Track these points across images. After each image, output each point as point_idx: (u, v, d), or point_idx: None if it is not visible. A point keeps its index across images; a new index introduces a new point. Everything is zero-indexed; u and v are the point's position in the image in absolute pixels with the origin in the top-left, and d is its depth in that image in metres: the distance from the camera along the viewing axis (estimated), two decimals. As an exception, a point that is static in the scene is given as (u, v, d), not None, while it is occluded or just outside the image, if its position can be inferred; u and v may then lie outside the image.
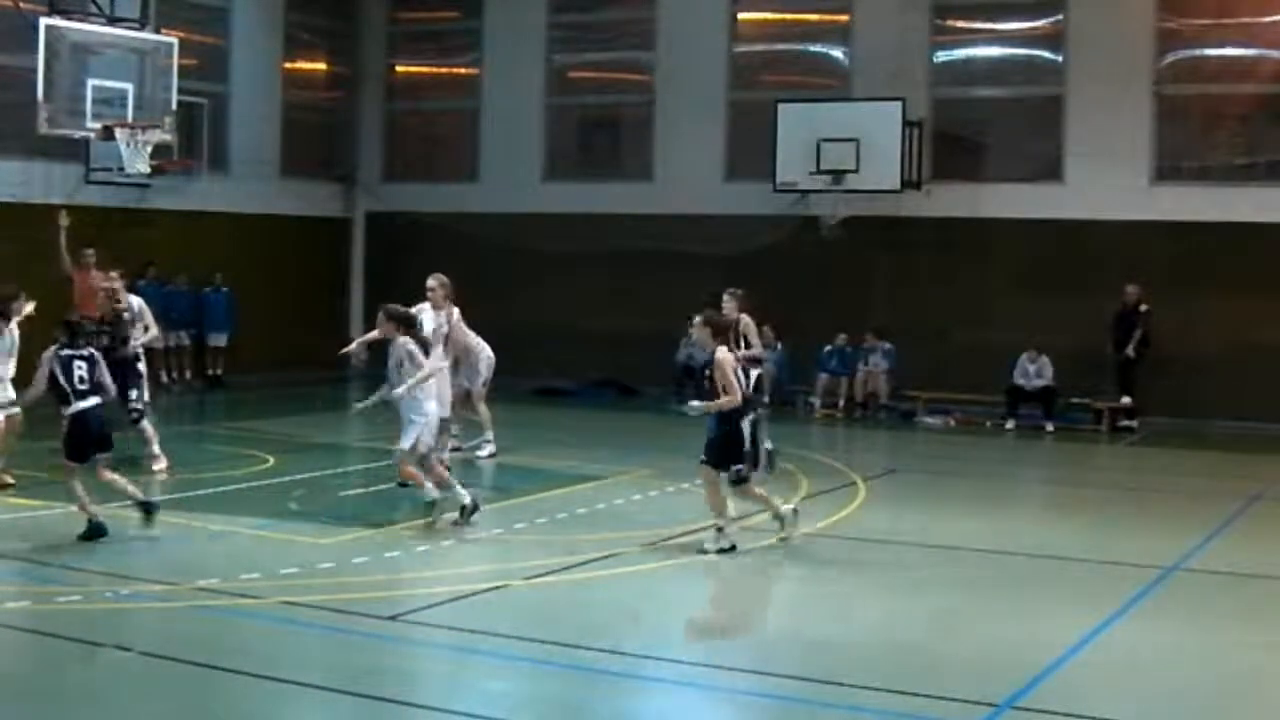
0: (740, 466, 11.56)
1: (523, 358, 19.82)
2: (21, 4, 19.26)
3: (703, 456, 11.59)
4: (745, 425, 11.63)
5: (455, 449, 16.48)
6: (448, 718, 7.73)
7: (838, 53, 24.20)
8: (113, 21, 19.80)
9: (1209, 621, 10.12)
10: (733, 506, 11.73)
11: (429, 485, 12.27)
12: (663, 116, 25.03)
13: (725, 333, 11.72)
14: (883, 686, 8.10)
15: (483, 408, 16.45)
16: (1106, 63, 22.15)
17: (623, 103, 26.04)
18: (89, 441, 11.35)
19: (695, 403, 11.51)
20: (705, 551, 11.47)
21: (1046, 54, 23.03)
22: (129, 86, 18.71)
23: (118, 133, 18.49)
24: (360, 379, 21.63)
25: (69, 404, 11.28)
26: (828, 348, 22.76)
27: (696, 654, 9.05)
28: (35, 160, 21.12)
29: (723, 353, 11.42)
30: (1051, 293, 22.11)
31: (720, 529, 11.57)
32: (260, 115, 25.51)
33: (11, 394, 13.13)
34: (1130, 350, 21.17)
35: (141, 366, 15.03)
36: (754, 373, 15.77)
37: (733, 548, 11.51)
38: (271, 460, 15.70)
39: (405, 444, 12.33)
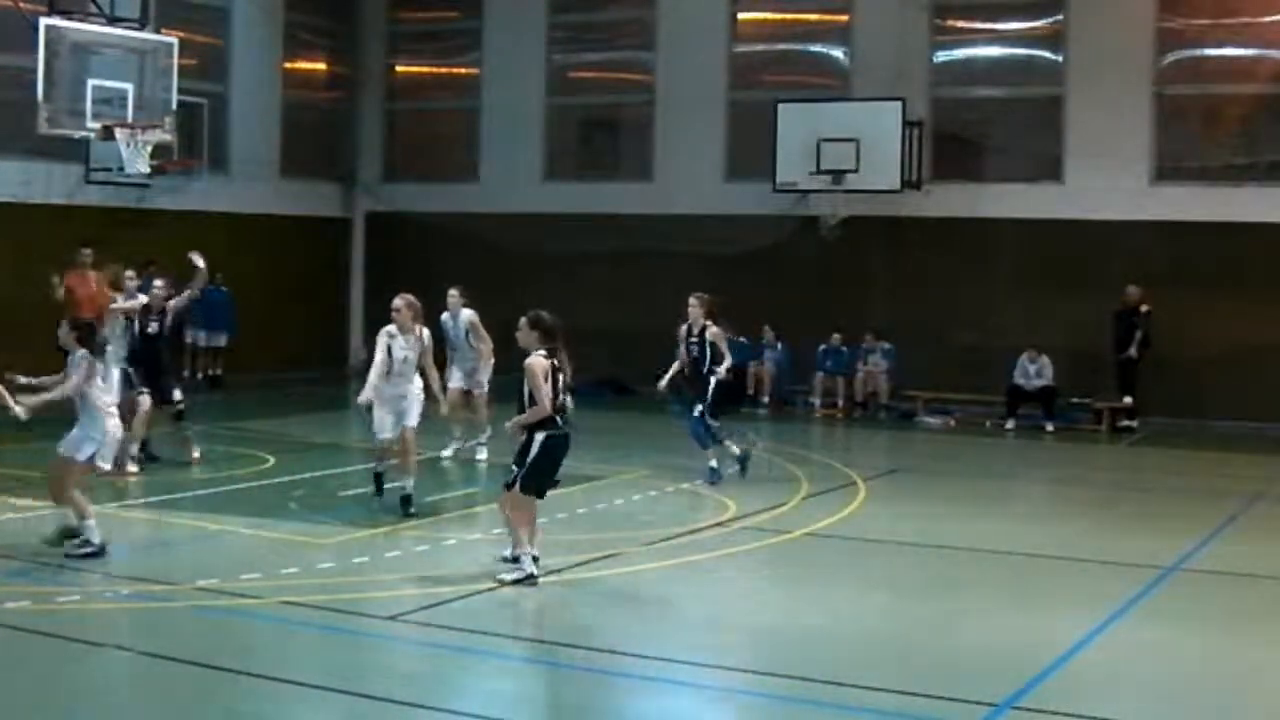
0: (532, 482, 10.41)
1: (522, 358, 19.77)
2: (21, 4, 19.23)
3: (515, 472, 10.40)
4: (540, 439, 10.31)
5: (455, 450, 16.50)
6: (448, 718, 7.73)
7: (838, 53, 24.19)
8: (113, 21, 19.77)
9: (1209, 621, 10.12)
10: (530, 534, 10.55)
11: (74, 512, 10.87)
12: (663, 116, 25.03)
13: (554, 337, 10.41)
14: (883, 686, 8.10)
15: (484, 409, 16.45)
16: (1106, 63, 22.15)
17: (623, 103, 26.01)
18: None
19: (508, 424, 10.42)
20: (501, 581, 10.28)
21: (1046, 54, 23.02)
22: (129, 86, 18.69)
23: (118, 133, 18.47)
24: (361, 378, 21.60)
25: None
26: (823, 347, 22.78)
27: (696, 654, 9.03)
28: (35, 160, 21.09)
29: (533, 358, 10.32)
30: (1051, 293, 22.11)
31: (516, 558, 10.51)
32: (260, 115, 25.50)
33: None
34: (1133, 350, 21.18)
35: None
36: (712, 380, 15.46)
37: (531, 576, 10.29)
38: (271, 460, 15.70)
39: (64, 450, 10.83)
